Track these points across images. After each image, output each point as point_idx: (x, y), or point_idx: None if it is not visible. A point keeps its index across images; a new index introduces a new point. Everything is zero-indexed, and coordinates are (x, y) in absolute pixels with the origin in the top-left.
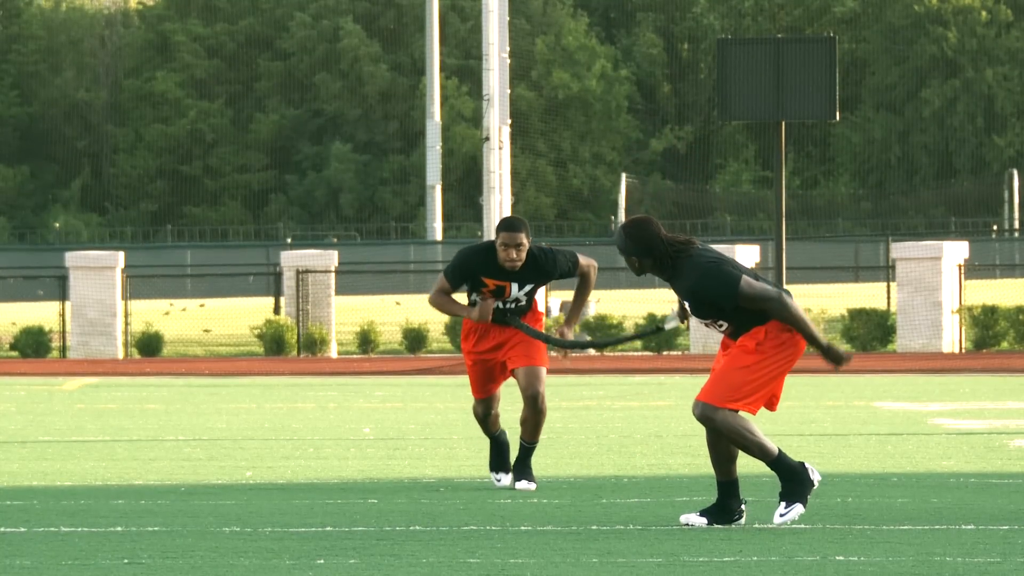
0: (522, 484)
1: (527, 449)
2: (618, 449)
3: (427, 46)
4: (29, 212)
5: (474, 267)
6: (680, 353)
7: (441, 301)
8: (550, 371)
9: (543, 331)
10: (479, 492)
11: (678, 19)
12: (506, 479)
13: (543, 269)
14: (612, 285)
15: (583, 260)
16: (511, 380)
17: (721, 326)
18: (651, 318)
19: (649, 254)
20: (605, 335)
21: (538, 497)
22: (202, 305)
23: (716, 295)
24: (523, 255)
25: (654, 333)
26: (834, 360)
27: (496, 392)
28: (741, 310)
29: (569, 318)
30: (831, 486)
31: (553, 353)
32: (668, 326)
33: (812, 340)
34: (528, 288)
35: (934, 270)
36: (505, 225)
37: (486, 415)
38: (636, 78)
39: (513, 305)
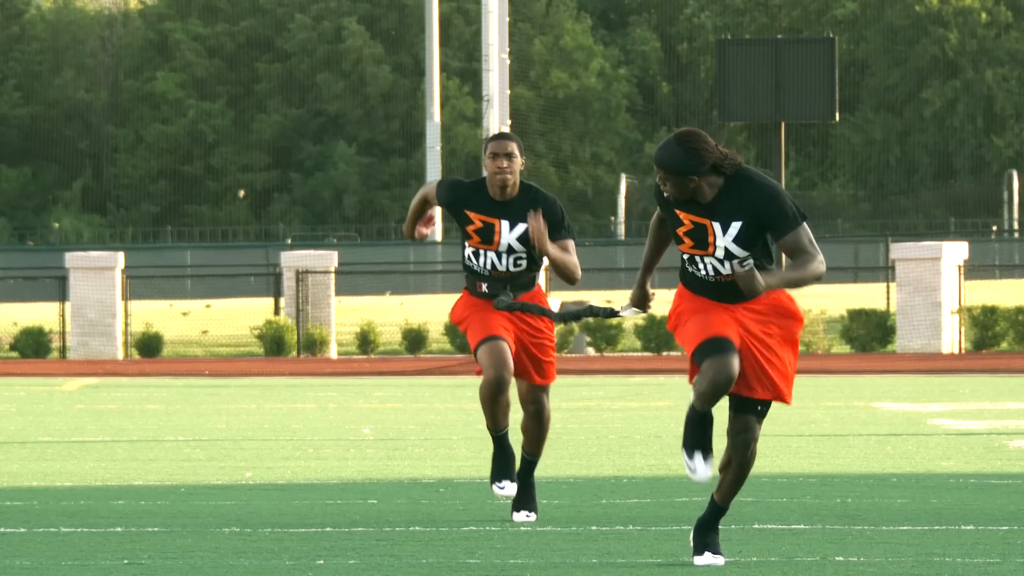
0: (520, 516)
1: (529, 464)
2: (618, 449)
3: (427, 47)
4: (30, 213)
5: (462, 195)
6: (680, 353)
7: (412, 204)
8: None
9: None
10: (479, 492)
11: (675, 20)
12: (511, 487)
13: (535, 205)
14: (611, 285)
15: (571, 243)
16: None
17: (744, 265)
18: (649, 318)
19: (710, 169)
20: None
21: (538, 497)
22: (208, 306)
23: (780, 218)
24: (514, 168)
25: (609, 315)
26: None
27: (508, 340)
28: (769, 256)
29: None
30: (831, 486)
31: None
32: (624, 313)
33: (778, 275)
34: (520, 231)
35: (934, 271)
36: (494, 136)
37: (498, 380)
38: (636, 79)
39: (511, 259)
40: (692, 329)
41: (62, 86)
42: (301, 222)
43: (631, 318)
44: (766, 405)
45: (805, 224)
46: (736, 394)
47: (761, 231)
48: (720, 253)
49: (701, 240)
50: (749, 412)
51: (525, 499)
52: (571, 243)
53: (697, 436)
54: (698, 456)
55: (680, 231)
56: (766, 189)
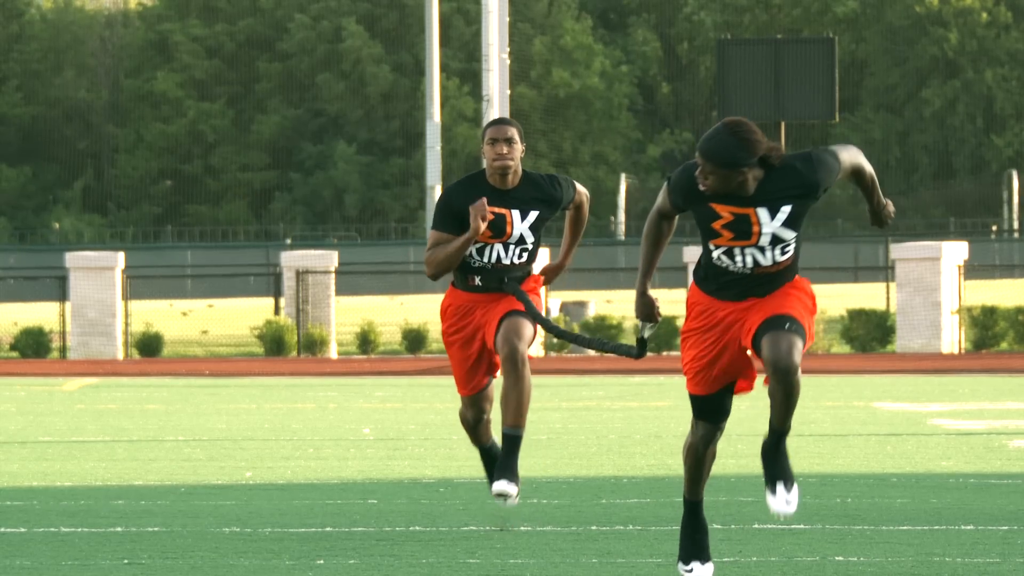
0: (500, 485)
1: (512, 439)
2: (618, 449)
3: (427, 46)
4: (30, 213)
5: (464, 197)
6: (680, 353)
7: (436, 251)
8: (550, 371)
9: (542, 312)
10: (479, 492)
11: (675, 20)
12: (505, 485)
13: (545, 191)
14: (612, 285)
15: (579, 186)
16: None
17: (786, 251)
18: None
19: (759, 159)
20: (604, 337)
21: (538, 497)
22: (211, 306)
23: (830, 173)
24: (515, 154)
25: (642, 345)
26: (880, 222)
27: (487, 388)
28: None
29: (562, 259)
30: (831, 486)
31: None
32: (647, 334)
33: (878, 197)
34: (532, 219)
35: (933, 270)
36: (493, 121)
37: (476, 420)
38: (636, 79)
39: (517, 251)
40: (689, 370)
41: (62, 86)
42: (302, 222)
43: (650, 333)
44: (794, 321)
45: (837, 149)
46: (760, 323)
47: (811, 203)
48: (766, 240)
49: (743, 231)
50: (778, 328)
51: (507, 468)
52: (579, 191)
53: (691, 544)
54: (695, 564)
55: (717, 224)
56: (805, 161)
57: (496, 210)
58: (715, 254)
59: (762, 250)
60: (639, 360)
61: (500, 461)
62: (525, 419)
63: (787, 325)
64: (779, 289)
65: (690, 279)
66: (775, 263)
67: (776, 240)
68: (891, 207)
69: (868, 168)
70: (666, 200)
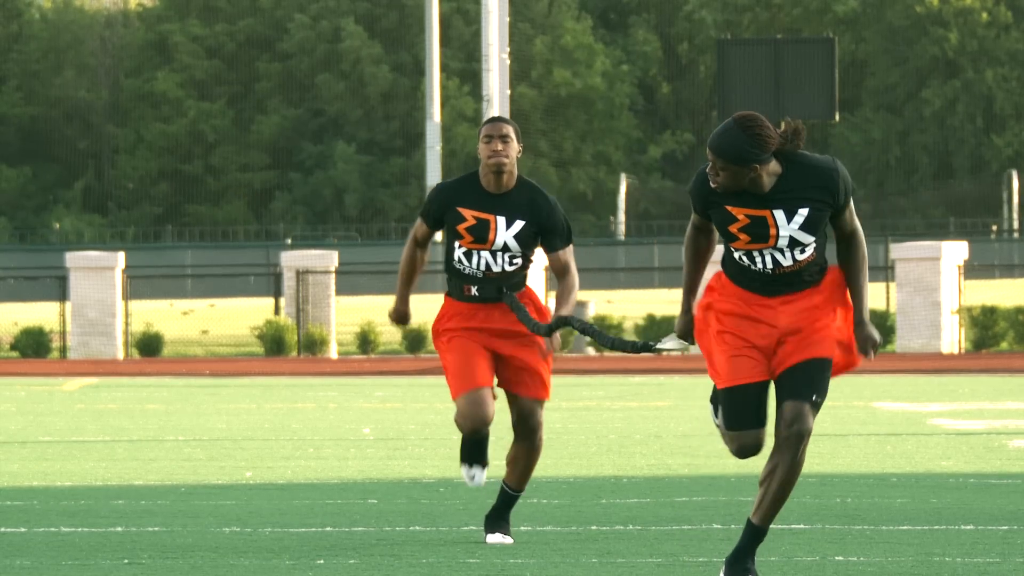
0: (496, 537)
1: (510, 498)
2: (618, 449)
3: (427, 45)
4: (30, 213)
5: (450, 195)
6: (680, 353)
7: (402, 263)
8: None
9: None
10: (479, 492)
11: (675, 20)
12: (480, 475)
13: (535, 203)
14: (611, 285)
15: (569, 251)
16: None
17: (805, 251)
18: (649, 318)
19: (770, 156)
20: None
21: (538, 497)
22: (212, 305)
23: (844, 197)
24: (510, 153)
25: (645, 350)
26: (866, 343)
27: (489, 388)
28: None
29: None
30: (831, 486)
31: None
32: (664, 345)
33: (862, 305)
34: (518, 228)
35: (933, 270)
36: (490, 119)
37: (475, 429)
38: (636, 79)
39: (506, 257)
40: (719, 363)
41: (62, 86)
42: (302, 222)
43: (670, 353)
44: (820, 390)
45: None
46: (786, 370)
47: (828, 211)
48: (784, 243)
49: (760, 234)
50: (802, 398)
51: (500, 523)
52: (569, 250)
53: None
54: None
55: (733, 228)
56: (829, 167)
57: (480, 215)
58: (736, 255)
59: (781, 251)
60: (636, 354)
61: (494, 514)
62: (527, 482)
63: (813, 397)
64: (813, 302)
65: None
66: (795, 262)
67: (794, 243)
68: (876, 335)
69: (863, 244)
70: (693, 211)
